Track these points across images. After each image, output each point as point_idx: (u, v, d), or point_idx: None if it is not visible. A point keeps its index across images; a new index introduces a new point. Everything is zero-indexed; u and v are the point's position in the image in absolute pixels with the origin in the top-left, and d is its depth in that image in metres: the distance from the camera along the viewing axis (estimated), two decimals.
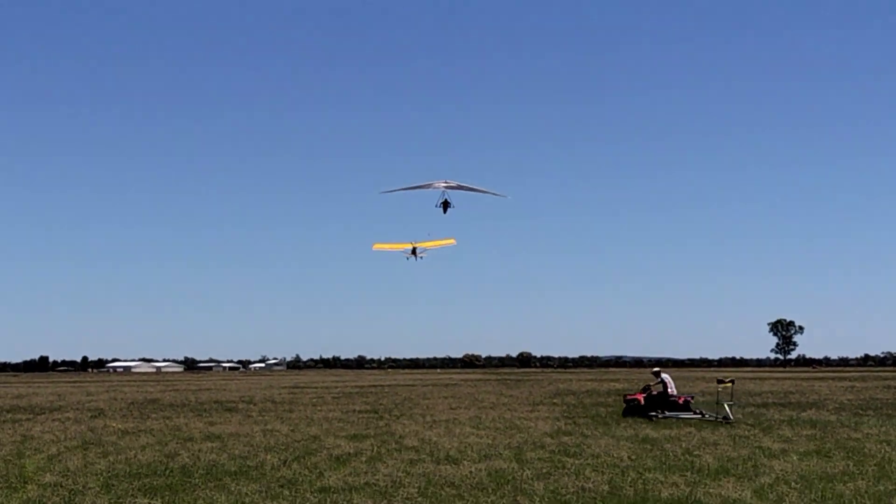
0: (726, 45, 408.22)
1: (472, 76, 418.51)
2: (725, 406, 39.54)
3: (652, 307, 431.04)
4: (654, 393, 39.84)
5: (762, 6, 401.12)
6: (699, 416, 38.53)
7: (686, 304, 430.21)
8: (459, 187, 43.86)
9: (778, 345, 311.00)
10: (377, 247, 55.65)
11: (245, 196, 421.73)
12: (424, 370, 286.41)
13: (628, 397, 40.98)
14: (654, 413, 38.56)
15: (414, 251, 51.56)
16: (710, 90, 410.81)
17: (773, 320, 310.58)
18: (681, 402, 39.64)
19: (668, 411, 38.90)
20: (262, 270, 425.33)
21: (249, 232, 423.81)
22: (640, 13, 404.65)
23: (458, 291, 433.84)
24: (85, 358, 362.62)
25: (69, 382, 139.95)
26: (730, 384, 42.78)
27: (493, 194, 48.79)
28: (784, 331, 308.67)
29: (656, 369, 41.77)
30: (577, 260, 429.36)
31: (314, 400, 63.62)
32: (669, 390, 39.78)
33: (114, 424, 39.47)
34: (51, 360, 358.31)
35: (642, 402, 39.62)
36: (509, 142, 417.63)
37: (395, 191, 46.32)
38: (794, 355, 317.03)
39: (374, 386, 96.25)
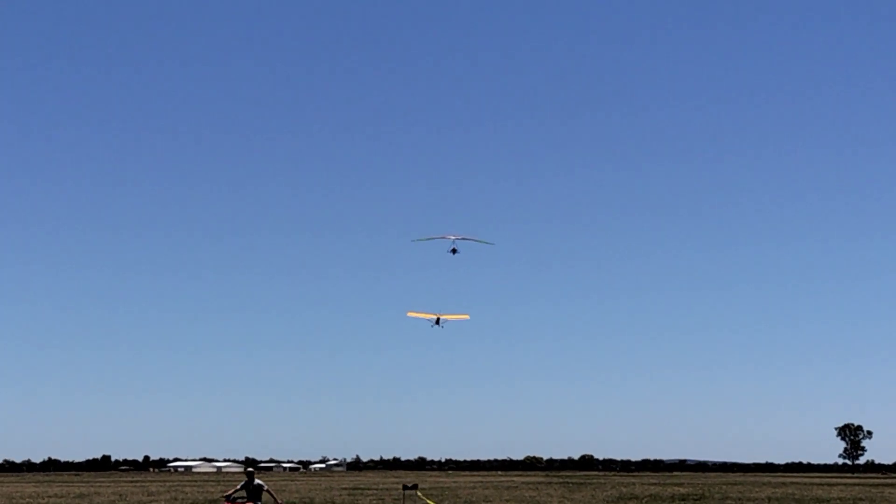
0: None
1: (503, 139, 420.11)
2: None
3: (717, 411, 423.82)
4: None
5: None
6: None
7: (752, 407, 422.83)
8: (463, 238, 60.95)
9: (846, 449, 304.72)
10: (411, 314, 65.09)
11: (306, 297, 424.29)
12: (485, 472, 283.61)
13: None
14: None
15: (438, 321, 62.26)
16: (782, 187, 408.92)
17: (841, 425, 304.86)
18: None
19: None
20: (324, 371, 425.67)
21: (310, 334, 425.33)
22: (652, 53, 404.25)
23: (519, 393, 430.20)
24: (147, 457, 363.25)
25: (130, 482, 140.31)
26: (417, 492, 44.34)
27: (483, 242, 64.00)
28: (852, 435, 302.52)
29: (250, 469, 36.82)
30: (641, 362, 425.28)
31: (374, 501, 63.30)
32: (258, 502, 35.34)
33: None
34: (113, 458, 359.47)
35: None
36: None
37: (423, 240, 63.67)
38: (862, 460, 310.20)
39: (435, 488, 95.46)
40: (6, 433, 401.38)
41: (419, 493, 44.06)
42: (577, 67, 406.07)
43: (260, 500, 35.44)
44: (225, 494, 36.76)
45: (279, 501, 37.12)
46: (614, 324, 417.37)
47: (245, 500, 35.36)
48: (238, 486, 35.88)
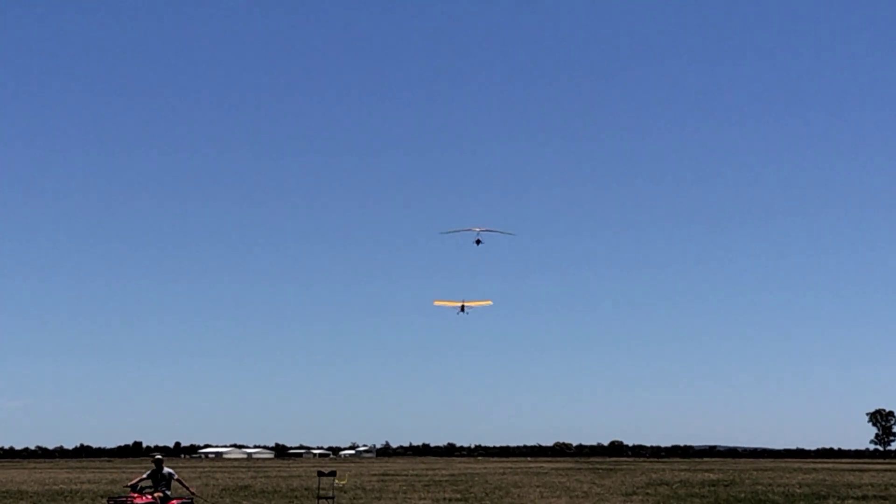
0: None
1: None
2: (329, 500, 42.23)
3: (747, 396, 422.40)
4: (153, 499, 32.65)
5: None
6: None
7: (782, 393, 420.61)
8: (487, 230, 64.14)
9: (877, 435, 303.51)
10: (437, 303, 68.68)
11: (335, 285, 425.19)
12: (515, 458, 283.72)
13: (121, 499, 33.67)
14: None
15: (463, 308, 65.46)
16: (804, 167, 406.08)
17: (872, 410, 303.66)
18: None
19: None
20: (355, 358, 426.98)
21: (339, 321, 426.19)
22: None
23: (548, 379, 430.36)
24: (178, 443, 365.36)
25: None
26: (335, 479, 44.42)
27: (504, 233, 67.34)
28: (884, 421, 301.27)
29: (159, 457, 34.39)
30: (670, 347, 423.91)
31: (404, 488, 63.49)
32: (167, 492, 33.37)
33: None
34: (144, 445, 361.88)
35: None
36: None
37: (451, 232, 66.62)
38: (894, 446, 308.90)
39: (465, 474, 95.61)
40: (39, 420, 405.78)
41: (337, 480, 44.07)
42: (596, 62, 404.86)
43: (169, 489, 33.49)
44: (129, 484, 34.05)
45: (191, 489, 35.66)
46: (642, 309, 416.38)
47: (152, 490, 33.07)
48: (144, 475, 33.78)
